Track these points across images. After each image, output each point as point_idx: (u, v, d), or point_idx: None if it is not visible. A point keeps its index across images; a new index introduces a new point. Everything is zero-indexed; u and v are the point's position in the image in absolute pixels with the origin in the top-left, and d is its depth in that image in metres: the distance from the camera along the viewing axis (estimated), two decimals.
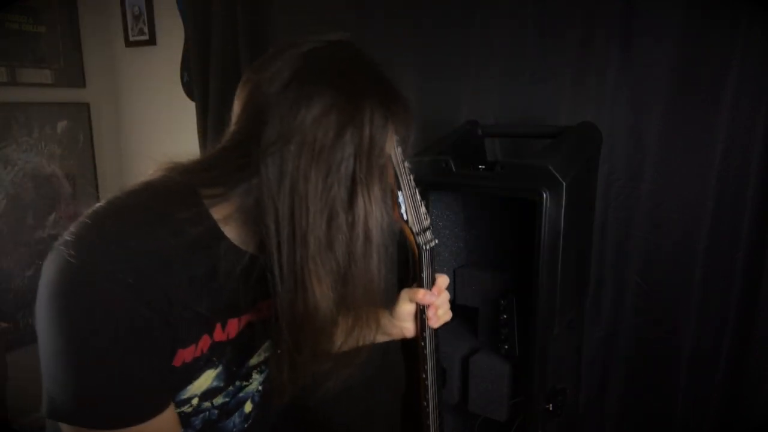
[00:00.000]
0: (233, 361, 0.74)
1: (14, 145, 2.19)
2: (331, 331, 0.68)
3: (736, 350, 1.31)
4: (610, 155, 1.38)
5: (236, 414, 0.81)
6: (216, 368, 0.72)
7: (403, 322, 0.88)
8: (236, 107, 0.67)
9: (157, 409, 0.63)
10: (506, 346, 1.23)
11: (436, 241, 0.95)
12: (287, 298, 0.64)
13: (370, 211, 0.64)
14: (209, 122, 2.00)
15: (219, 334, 0.70)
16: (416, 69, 1.61)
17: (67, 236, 0.60)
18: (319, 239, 0.62)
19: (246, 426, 0.84)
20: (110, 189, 2.71)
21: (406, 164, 0.91)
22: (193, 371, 0.68)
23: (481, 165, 1.18)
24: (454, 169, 1.14)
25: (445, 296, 0.87)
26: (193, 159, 0.68)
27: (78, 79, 2.38)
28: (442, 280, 0.87)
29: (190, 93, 2.17)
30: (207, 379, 0.71)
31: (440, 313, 0.87)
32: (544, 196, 1.02)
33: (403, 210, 0.91)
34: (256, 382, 0.82)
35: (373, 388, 1.84)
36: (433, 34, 1.58)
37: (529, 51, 1.45)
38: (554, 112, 1.44)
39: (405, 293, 0.88)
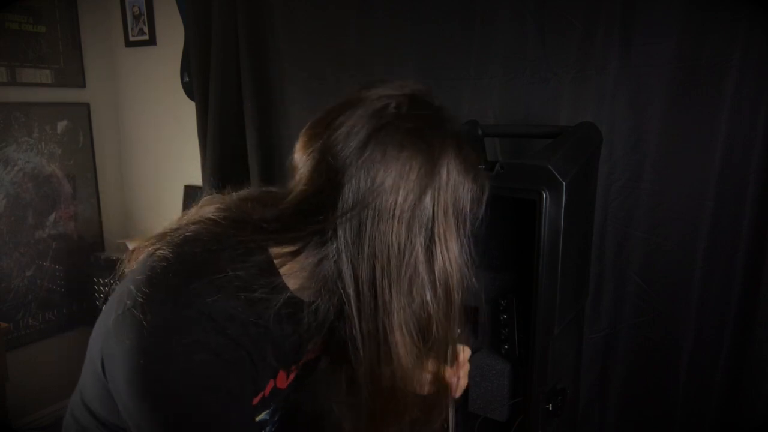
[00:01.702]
0: (282, 399, 0.76)
1: (14, 145, 2.19)
2: (410, 394, 0.69)
3: (736, 350, 1.31)
4: (610, 155, 1.38)
5: (270, 425, 0.82)
6: (269, 408, 0.74)
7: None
8: (303, 161, 0.65)
9: None
10: (506, 346, 1.23)
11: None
12: (368, 363, 0.63)
13: (451, 271, 0.64)
14: (209, 122, 2.00)
15: (282, 381, 0.72)
16: (416, 69, 1.61)
17: (138, 297, 0.58)
18: (402, 304, 0.61)
19: (274, 429, 0.86)
20: (110, 189, 2.70)
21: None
22: (255, 414, 0.70)
23: (481, 165, 1.18)
24: None
25: (466, 367, 0.90)
26: (261, 211, 0.66)
27: (78, 79, 2.38)
28: (465, 354, 0.90)
29: (190, 93, 2.17)
30: (259, 415, 0.73)
31: (461, 383, 0.89)
32: (544, 196, 1.02)
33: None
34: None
35: None
36: (433, 35, 1.58)
37: (529, 51, 1.45)
38: (554, 112, 1.44)
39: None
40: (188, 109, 2.15)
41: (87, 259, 2.39)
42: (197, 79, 2.03)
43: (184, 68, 2.18)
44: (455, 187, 0.64)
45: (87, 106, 2.42)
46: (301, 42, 1.74)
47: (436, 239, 0.62)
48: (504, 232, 1.35)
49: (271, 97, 1.86)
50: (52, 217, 2.33)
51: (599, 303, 1.45)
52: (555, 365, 1.13)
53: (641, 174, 1.37)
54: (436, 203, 0.62)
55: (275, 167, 1.88)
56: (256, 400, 0.67)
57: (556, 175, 1.02)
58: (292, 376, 0.74)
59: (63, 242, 2.38)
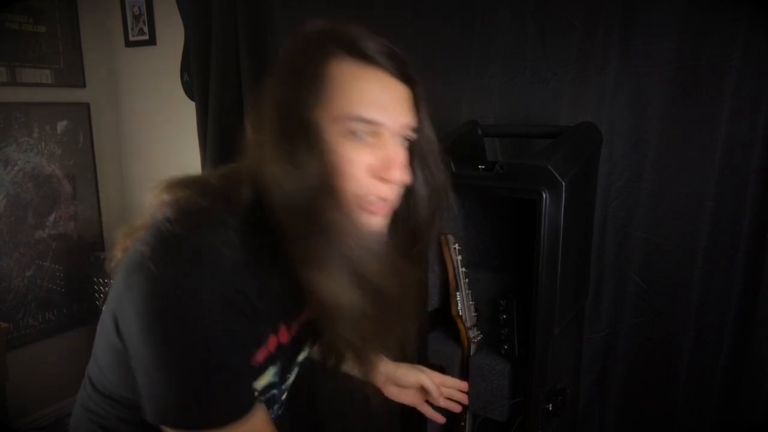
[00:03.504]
0: (288, 358, 0.78)
1: (14, 145, 2.19)
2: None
3: (736, 350, 1.31)
4: (610, 155, 1.38)
5: (278, 404, 0.85)
6: (276, 366, 0.74)
7: (400, 384, 0.99)
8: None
9: (247, 408, 0.65)
10: (506, 346, 1.23)
11: (481, 336, 1.25)
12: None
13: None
14: (209, 122, 2.00)
15: (283, 335, 0.73)
16: (416, 69, 1.61)
17: (146, 251, 0.61)
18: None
19: (280, 413, 0.88)
20: (110, 189, 2.70)
21: (463, 269, 1.16)
22: (261, 370, 0.71)
23: (481, 165, 1.18)
24: (454, 169, 1.14)
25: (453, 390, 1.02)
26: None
27: (78, 79, 2.38)
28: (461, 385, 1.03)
29: (190, 93, 2.17)
30: (267, 376, 0.74)
31: (442, 403, 1.01)
32: (544, 195, 1.02)
33: (459, 307, 1.20)
34: (294, 375, 0.87)
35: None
36: (433, 35, 1.58)
37: (529, 51, 1.45)
38: (554, 112, 1.44)
39: (423, 371, 0.99)
40: (188, 109, 2.15)
41: (87, 259, 2.39)
42: (197, 79, 2.03)
43: (184, 68, 2.18)
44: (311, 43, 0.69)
45: (87, 106, 2.42)
46: None
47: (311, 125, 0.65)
48: (504, 232, 1.35)
49: None
50: (52, 217, 2.33)
51: (599, 303, 1.45)
52: (555, 365, 1.13)
53: (641, 174, 1.37)
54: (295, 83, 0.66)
55: None
56: (261, 356, 0.69)
57: (556, 175, 1.02)
58: (293, 331, 0.76)
59: (63, 242, 2.38)
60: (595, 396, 1.51)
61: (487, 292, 1.30)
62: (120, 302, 0.64)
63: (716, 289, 1.32)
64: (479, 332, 1.26)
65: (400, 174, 0.66)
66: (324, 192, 0.63)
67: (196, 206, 0.65)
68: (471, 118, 1.42)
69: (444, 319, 1.27)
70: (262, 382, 0.73)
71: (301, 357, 0.84)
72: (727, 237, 1.29)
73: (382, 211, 0.68)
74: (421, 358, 1.29)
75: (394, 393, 1.00)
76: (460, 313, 1.21)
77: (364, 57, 0.65)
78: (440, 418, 1.03)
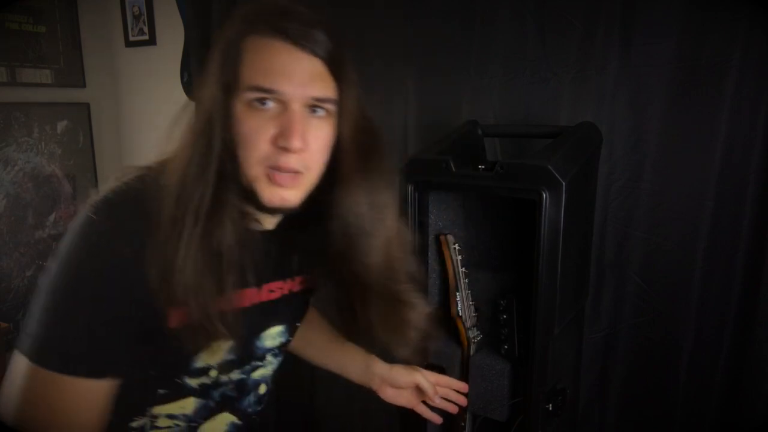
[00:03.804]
0: (243, 336, 0.77)
1: (14, 145, 2.19)
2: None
3: (736, 350, 1.31)
4: (610, 155, 1.38)
5: (252, 394, 0.86)
6: (227, 341, 0.75)
7: (395, 384, 1.00)
8: None
9: (109, 370, 0.68)
10: (506, 346, 1.23)
11: (481, 336, 1.26)
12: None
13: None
14: None
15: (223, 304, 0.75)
16: (416, 69, 1.61)
17: (92, 204, 0.68)
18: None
19: (259, 409, 0.89)
20: None
21: (463, 269, 1.17)
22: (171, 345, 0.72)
23: (481, 165, 1.18)
24: (454, 169, 1.14)
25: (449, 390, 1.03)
26: None
27: (78, 79, 2.38)
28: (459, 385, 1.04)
29: (190, 93, 2.17)
30: (218, 350, 0.76)
31: (437, 402, 1.01)
32: (544, 196, 1.02)
33: (459, 308, 1.21)
34: (270, 365, 0.87)
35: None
36: (433, 35, 1.58)
37: (529, 51, 1.45)
38: (554, 112, 1.44)
39: (419, 371, 0.99)
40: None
41: None
42: (197, 79, 2.03)
43: (184, 68, 2.18)
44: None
45: (87, 106, 2.42)
46: None
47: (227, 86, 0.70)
48: (504, 232, 1.35)
49: None
50: (52, 217, 2.33)
51: (599, 303, 1.45)
52: (555, 365, 1.13)
53: (641, 174, 1.37)
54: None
55: None
56: (184, 316, 0.69)
57: (556, 175, 1.02)
58: (256, 299, 0.78)
59: None
60: (595, 396, 1.51)
61: (487, 292, 1.30)
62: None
63: (716, 289, 1.32)
64: (479, 332, 1.26)
65: (297, 141, 0.67)
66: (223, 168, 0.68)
67: (112, 193, 0.70)
68: (471, 118, 1.42)
69: (444, 319, 1.27)
70: (215, 358, 0.76)
71: (268, 343, 0.85)
72: (727, 237, 1.29)
73: (289, 183, 0.70)
74: (421, 358, 1.29)
75: (390, 395, 1.00)
76: (460, 314, 1.21)
77: (275, 33, 0.67)
78: (437, 419, 1.03)
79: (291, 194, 0.71)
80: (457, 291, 1.20)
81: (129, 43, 2.39)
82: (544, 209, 1.02)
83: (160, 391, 0.77)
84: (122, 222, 0.66)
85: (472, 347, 1.24)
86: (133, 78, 2.46)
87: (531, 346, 1.10)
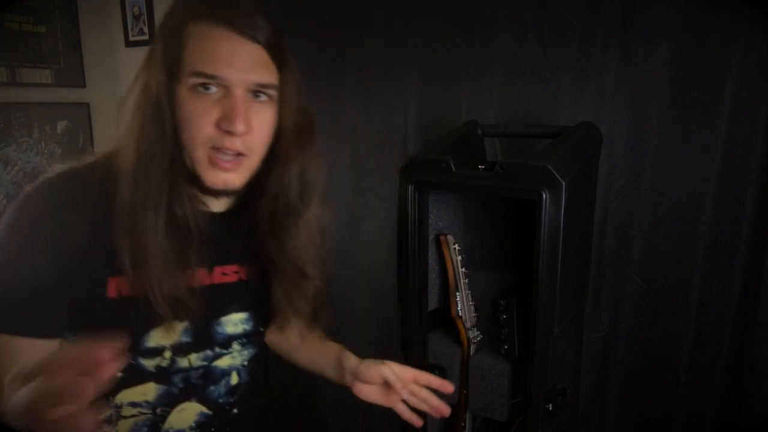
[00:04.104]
0: (199, 319, 0.80)
1: (14, 145, 2.19)
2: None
3: (736, 350, 1.31)
4: (610, 155, 1.38)
5: (221, 383, 0.86)
6: (182, 322, 0.78)
7: (363, 379, 0.92)
8: None
9: (43, 330, 0.70)
10: (506, 346, 1.23)
11: (481, 336, 1.26)
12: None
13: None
14: None
15: (204, 277, 0.78)
16: (416, 69, 1.61)
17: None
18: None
19: (233, 400, 0.89)
20: None
21: (463, 270, 1.18)
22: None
23: (481, 165, 1.18)
24: (454, 169, 1.14)
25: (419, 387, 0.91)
26: None
27: (78, 79, 2.38)
28: (438, 383, 0.93)
29: None
30: (172, 331, 0.78)
31: (405, 396, 0.91)
32: (544, 196, 1.02)
33: (459, 308, 1.21)
34: (239, 355, 0.87)
35: None
36: (433, 35, 1.58)
37: (529, 51, 1.45)
38: (554, 112, 1.44)
39: (386, 364, 0.92)
40: None
41: None
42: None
43: None
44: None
45: (87, 106, 2.42)
46: (300, 41, 1.74)
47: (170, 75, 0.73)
48: (504, 232, 1.35)
49: None
50: None
51: (599, 303, 1.45)
52: (555, 365, 1.13)
53: (641, 174, 1.37)
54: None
55: None
56: (124, 286, 0.73)
57: (556, 175, 1.02)
58: (208, 280, 0.80)
59: None
60: (595, 396, 1.51)
61: (487, 292, 1.30)
62: None
63: (716, 289, 1.32)
64: (479, 332, 1.26)
65: (241, 125, 0.70)
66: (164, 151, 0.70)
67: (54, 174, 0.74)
68: (471, 118, 1.42)
69: (444, 319, 1.27)
70: (168, 337, 0.78)
71: (229, 329, 0.85)
72: (727, 237, 1.29)
73: (233, 166, 0.73)
74: (421, 358, 1.29)
75: (362, 391, 0.93)
76: (460, 314, 1.21)
77: (217, 20, 0.70)
78: (417, 421, 0.95)
79: (233, 177, 0.74)
80: (457, 291, 1.20)
81: (129, 43, 2.39)
82: (544, 209, 1.02)
83: (118, 374, 0.76)
84: (55, 197, 0.71)
85: (472, 347, 1.24)
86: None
87: (531, 346, 1.10)
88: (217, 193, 0.76)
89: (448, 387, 0.92)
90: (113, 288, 0.72)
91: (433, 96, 1.61)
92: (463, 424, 1.26)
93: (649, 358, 1.42)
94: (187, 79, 0.70)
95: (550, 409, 1.13)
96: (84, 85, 2.40)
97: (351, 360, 0.95)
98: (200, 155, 0.71)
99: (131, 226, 0.69)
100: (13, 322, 0.69)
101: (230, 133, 0.70)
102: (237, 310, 0.86)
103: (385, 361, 0.92)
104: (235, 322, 0.86)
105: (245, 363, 0.89)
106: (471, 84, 1.54)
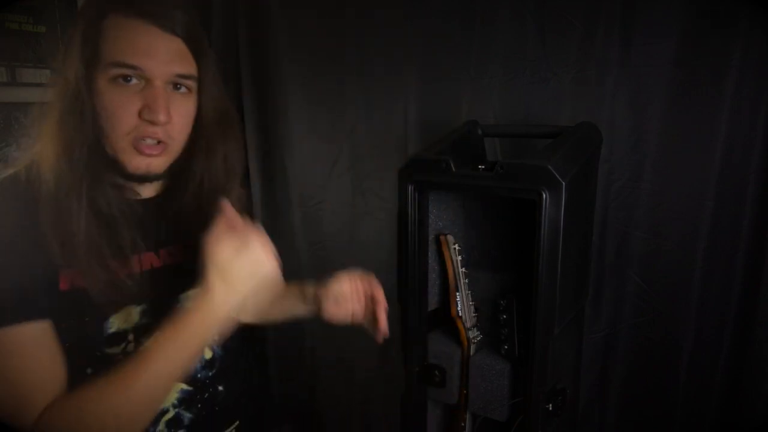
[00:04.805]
0: (156, 300, 0.83)
1: (14, 145, 2.19)
2: None
3: (736, 350, 1.31)
4: (610, 155, 1.38)
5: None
6: (138, 305, 0.81)
7: (322, 298, 0.96)
8: None
9: (22, 315, 0.70)
10: (506, 346, 1.23)
11: (481, 336, 1.25)
12: None
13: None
14: None
15: (146, 262, 0.80)
16: (416, 69, 1.61)
17: None
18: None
19: (212, 373, 0.92)
20: None
21: (463, 270, 1.18)
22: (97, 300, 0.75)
23: (481, 165, 1.18)
24: (454, 169, 1.14)
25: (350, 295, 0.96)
26: None
27: None
28: (374, 291, 0.97)
29: None
30: (130, 314, 0.80)
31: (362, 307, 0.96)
32: (544, 196, 1.02)
33: (459, 308, 1.21)
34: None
35: (373, 388, 1.84)
36: (433, 35, 1.58)
37: (529, 51, 1.45)
38: (554, 112, 1.44)
39: (336, 278, 0.97)
40: None
41: None
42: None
43: None
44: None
45: None
46: (300, 41, 1.74)
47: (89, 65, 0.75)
48: (504, 232, 1.35)
49: (271, 97, 1.86)
50: None
51: (599, 303, 1.45)
52: (555, 365, 1.13)
53: (641, 174, 1.37)
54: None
55: (275, 166, 1.88)
56: (78, 279, 0.74)
57: (556, 175, 1.02)
58: (158, 263, 0.83)
59: None
60: (595, 396, 1.51)
61: (487, 292, 1.30)
62: None
63: (716, 289, 1.32)
64: (479, 332, 1.26)
65: (162, 115, 0.74)
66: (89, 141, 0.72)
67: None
68: (471, 118, 1.42)
69: (444, 319, 1.27)
70: (128, 321, 0.80)
71: (185, 306, 0.87)
72: (727, 237, 1.29)
73: (155, 151, 0.76)
74: (421, 358, 1.29)
75: (329, 313, 0.97)
76: (460, 314, 1.21)
77: (137, 12, 0.73)
78: (383, 329, 0.97)
79: (156, 162, 0.78)
80: (457, 291, 1.20)
81: None
82: (544, 209, 1.02)
83: (88, 370, 0.78)
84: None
85: (472, 347, 1.24)
86: None
87: (531, 346, 1.10)
88: (141, 179, 0.79)
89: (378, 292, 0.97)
90: (65, 281, 0.73)
91: (433, 96, 1.61)
92: (463, 424, 1.27)
93: (649, 358, 1.42)
94: (106, 70, 0.72)
95: (550, 409, 1.13)
96: None
97: (309, 289, 1.00)
98: (124, 144, 0.74)
99: (57, 217, 0.71)
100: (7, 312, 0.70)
101: (152, 122, 0.74)
102: (193, 287, 0.86)
103: (337, 277, 0.97)
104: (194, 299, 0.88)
105: (215, 337, 0.91)
106: (471, 84, 1.54)
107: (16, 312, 0.70)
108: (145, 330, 0.82)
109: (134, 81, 0.73)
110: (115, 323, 0.79)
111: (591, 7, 1.35)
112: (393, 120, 1.67)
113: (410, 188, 1.19)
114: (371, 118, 1.72)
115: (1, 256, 0.70)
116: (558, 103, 1.43)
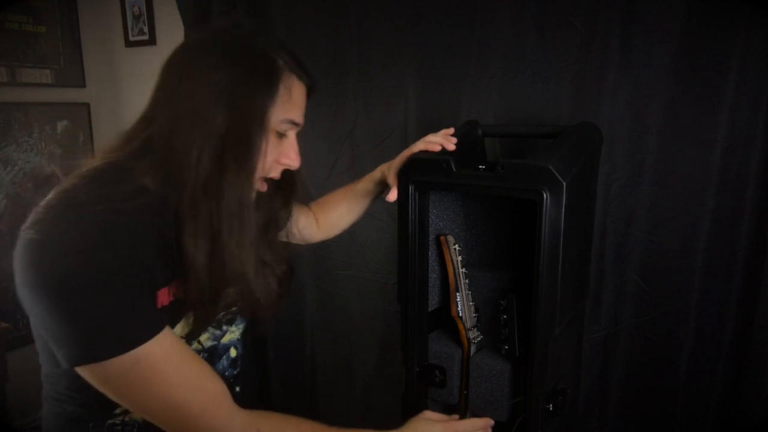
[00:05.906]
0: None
1: (14, 145, 2.19)
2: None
3: (736, 350, 1.31)
4: (610, 155, 1.38)
5: (224, 358, 0.93)
6: (188, 318, 0.82)
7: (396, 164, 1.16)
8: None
9: (151, 330, 0.71)
10: (506, 346, 1.23)
11: (481, 336, 1.26)
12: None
13: (235, 184, 0.74)
14: None
15: (164, 297, 0.79)
16: (416, 69, 1.61)
17: (27, 224, 0.72)
18: (195, 206, 0.73)
19: (236, 372, 0.95)
20: None
21: (463, 270, 1.19)
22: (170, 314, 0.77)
23: (481, 165, 1.17)
24: (454, 169, 1.14)
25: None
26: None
27: (78, 79, 2.38)
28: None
29: None
30: (186, 326, 0.81)
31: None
32: (544, 196, 1.02)
33: (459, 308, 1.21)
34: (236, 329, 0.94)
35: (373, 388, 1.85)
36: (433, 35, 1.58)
37: (529, 51, 1.45)
38: (554, 112, 1.44)
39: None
40: None
41: None
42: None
43: None
44: (252, 89, 0.77)
45: (87, 106, 2.42)
46: (300, 42, 1.74)
47: (228, 149, 0.75)
48: (504, 232, 1.35)
49: None
50: None
51: (599, 303, 1.45)
52: (555, 365, 1.13)
53: (641, 174, 1.37)
54: (230, 107, 0.75)
55: None
56: (164, 297, 0.75)
57: (557, 175, 1.02)
58: (171, 297, 0.80)
59: None
60: (595, 396, 1.51)
61: (487, 292, 1.30)
62: (21, 290, 0.73)
63: (716, 289, 1.32)
64: (479, 333, 1.26)
65: (297, 161, 0.86)
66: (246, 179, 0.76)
67: (81, 184, 0.74)
68: (471, 118, 1.42)
69: (444, 319, 1.27)
70: (183, 331, 0.81)
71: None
72: (727, 237, 1.29)
73: (266, 186, 0.86)
74: (421, 358, 1.29)
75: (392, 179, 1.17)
76: (460, 314, 1.21)
77: (299, 72, 0.81)
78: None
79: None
80: (457, 291, 1.20)
81: (129, 43, 2.39)
82: (544, 209, 1.02)
83: None
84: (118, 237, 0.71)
85: (472, 347, 1.24)
86: (133, 78, 2.46)
87: (531, 347, 1.10)
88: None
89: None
90: (163, 297, 0.75)
91: (433, 96, 1.61)
92: None
93: (649, 358, 1.42)
94: (280, 124, 0.80)
95: (550, 409, 1.13)
96: (84, 85, 2.40)
97: (375, 173, 1.24)
98: (254, 180, 0.80)
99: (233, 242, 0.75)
100: (131, 333, 0.70)
101: (284, 164, 0.85)
102: None
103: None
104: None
105: (239, 336, 0.95)
106: (471, 84, 1.54)
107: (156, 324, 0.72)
108: (191, 336, 0.83)
109: (288, 132, 0.84)
110: (178, 331, 0.80)
111: (591, 7, 1.35)
112: (393, 120, 1.67)
113: (410, 188, 1.19)
114: (371, 118, 1.72)
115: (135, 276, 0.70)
116: (558, 103, 1.43)
